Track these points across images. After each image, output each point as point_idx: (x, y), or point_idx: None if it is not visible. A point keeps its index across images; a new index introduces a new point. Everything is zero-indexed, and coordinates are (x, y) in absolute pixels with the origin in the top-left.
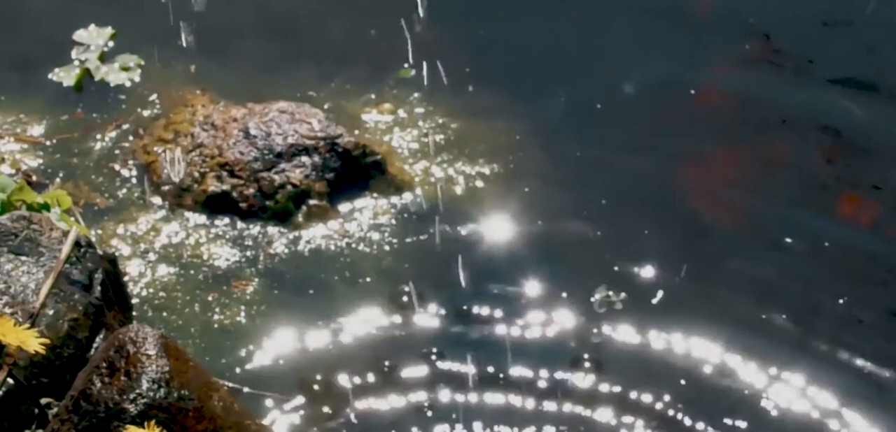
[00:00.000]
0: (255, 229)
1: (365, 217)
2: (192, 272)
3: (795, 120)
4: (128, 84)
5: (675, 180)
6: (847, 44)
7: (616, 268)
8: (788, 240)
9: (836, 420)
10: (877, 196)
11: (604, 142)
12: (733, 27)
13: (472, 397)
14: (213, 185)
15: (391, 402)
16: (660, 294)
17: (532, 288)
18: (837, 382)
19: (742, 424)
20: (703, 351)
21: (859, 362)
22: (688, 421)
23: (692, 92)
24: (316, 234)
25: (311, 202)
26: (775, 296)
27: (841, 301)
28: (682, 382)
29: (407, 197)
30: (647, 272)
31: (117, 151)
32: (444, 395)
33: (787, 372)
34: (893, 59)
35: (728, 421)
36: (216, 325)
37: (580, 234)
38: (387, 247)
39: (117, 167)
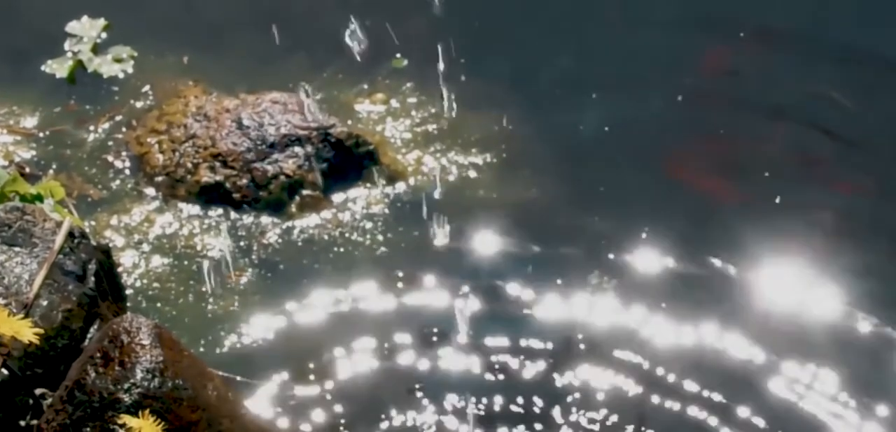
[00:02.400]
0: (249, 219)
1: (358, 207)
2: (185, 263)
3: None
4: (121, 75)
5: (672, 167)
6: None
7: (611, 256)
8: (788, 216)
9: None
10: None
11: (599, 129)
12: (729, 12)
13: (468, 385)
14: (206, 176)
15: (386, 390)
16: (655, 280)
17: (526, 276)
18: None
19: (746, 408)
20: (699, 336)
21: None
22: (685, 406)
23: (690, 78)
24: (309, 224)
25: (305, 192)
26: (776, 276)
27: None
28: (677, 367)
29: (400, 186)
30: (643, 258)
31: (110, 143)
32: (439, 383)
33: (787, 356)
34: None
35: (731, 405)
36: (210, 315)
37: (574, 222)
38: (380, 237)
39: (110, 158)
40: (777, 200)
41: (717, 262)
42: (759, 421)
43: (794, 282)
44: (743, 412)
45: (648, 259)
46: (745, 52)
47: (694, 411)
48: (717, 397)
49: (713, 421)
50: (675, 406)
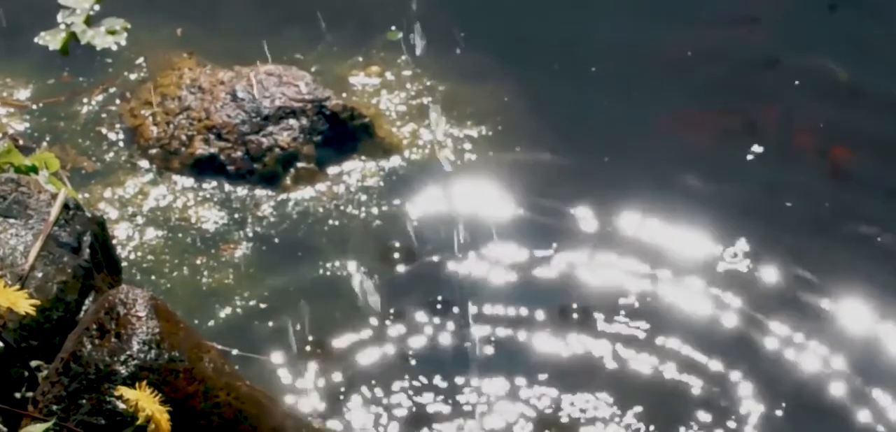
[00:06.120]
0: (243, 192)
1: (353, 179)
2: (180, 235)
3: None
4: (114, 48)
5: (668, 139)
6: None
7: (607, 230)
8: (778, 194)
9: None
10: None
11: (594, 103)
12: None
13: (465, 354)
14: (200, 148)
15: (379, 363)
16: (650, 254)
17: (520, 248)
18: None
19: (745, 369)
20: (697, 313)
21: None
22: (682, 374)
23: (689, 51)
24: (304, 197)
25: (299, 165)
26: (768, 238)
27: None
28: (676, 332)
29: (395, 159)
30: (638, 233)
31: (104, 115)
32: (435, 353)
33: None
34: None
35: (728, 370)
36: (205, 288)
37: (569, 195)
38: (375, 210)
39: (104, 131)
40: (771, 166)
41: (714, 228)
42: (762, 383)
43: (788, 251)
44: (741, 374)
45: (647, 228)
46: (738, 29)
47: (689, 372)
48: (713, 360)
49: (710, 382)
50: (670, 373)
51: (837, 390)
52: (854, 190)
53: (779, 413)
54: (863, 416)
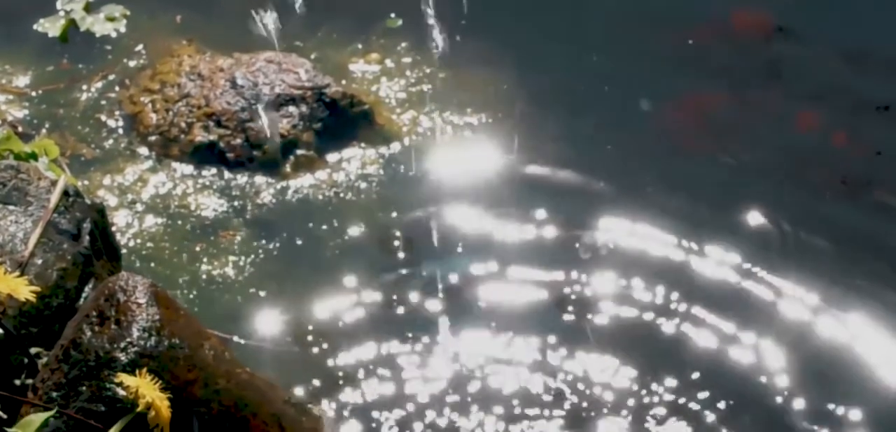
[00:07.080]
0: (243, 179)
1: (353, 167)
2: (179, 222)
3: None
4: (113, 34)
5: (671, 132)
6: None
7: (605, 216)
8: (785, 170)
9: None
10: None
11: (596, 92)
12: None
13: (461, 341)
14: (200, 135)
15: (379, 349)
16: (650, 245)
17: (520, 236)
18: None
19: (742, 345)
20: (693, 297)
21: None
22: (677, 361)
23: (690, 38)
24: (303, 184)
25: (299, 152)
26: (766, 228)
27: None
28: (669, 324)
29: (394, 146)
30: (638, 224)
31: (103, 102)
32: (432, 340)
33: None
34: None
35: (747, 334)
36: (204, 275)
37: (569, 183)
38: (375, 197)
39: (104, 118)
40: (778, 142)
41: (710, 221)
42: (782, 346)
43: (782, 236)
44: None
45: (645, 224)
46: (739, 12)
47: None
48: (729, 324)
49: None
50: (664, 356)
51: (863, 353)
52: (863, 160)
53: (797, 378)
54: (890, 380)
